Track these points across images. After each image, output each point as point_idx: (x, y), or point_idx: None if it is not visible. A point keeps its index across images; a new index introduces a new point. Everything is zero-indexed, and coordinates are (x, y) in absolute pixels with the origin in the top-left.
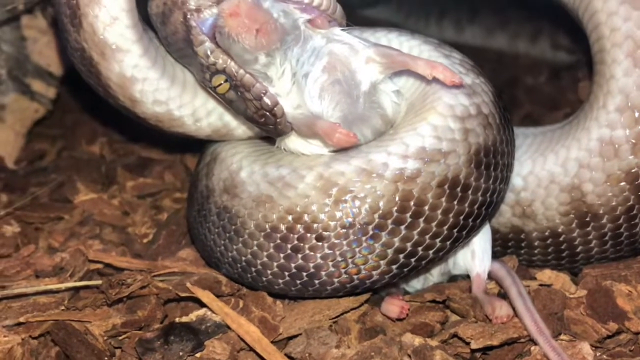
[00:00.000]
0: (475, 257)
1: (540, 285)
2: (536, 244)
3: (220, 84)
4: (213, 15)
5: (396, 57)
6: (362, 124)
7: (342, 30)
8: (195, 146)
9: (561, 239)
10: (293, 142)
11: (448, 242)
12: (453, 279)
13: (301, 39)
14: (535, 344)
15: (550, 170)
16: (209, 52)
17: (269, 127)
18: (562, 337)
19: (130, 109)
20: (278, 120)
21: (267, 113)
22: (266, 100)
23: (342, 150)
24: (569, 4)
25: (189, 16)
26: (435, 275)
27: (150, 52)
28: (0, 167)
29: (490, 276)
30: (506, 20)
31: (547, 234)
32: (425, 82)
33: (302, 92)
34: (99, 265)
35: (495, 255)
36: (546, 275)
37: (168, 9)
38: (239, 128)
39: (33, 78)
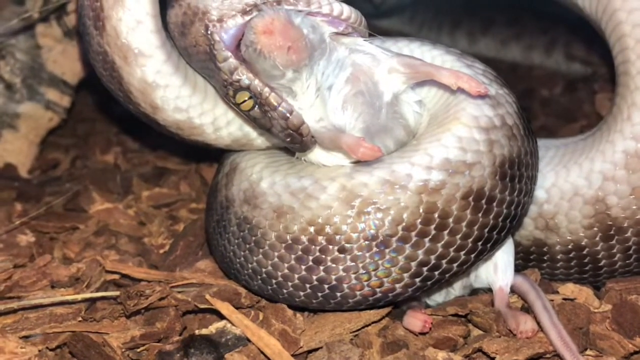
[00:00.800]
0: (498, 270)
1: (564, 299)
2: (559, 257)
3: (244, 101)
4: (237, 26)
5: (420, 67)
6: (384, 135)
7: (364, 40)
8: (211, 156)
9: (585, 252)
10: (314, 153)
11: (472, 255)
12: (475, 292)
13: (327, 52)
14: (562, 359)
15: (573, 183)
16: (232, 69)
17: (293, 145)
18: (588, 352)
19: (150, 116)
20: (304, 138)
21: (294, 133)
22: (293, 120)
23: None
24: (592, 15)
25: (211, 29)
26: (457, 288)
27: (172, 59)
28: (13, 176)
29: (513, 290)
30: (520, 32)
31: (570, 247)
32: (448, 92)
33: (325, 104)
34: (116, 276)
35: (517, 269)
36: (569, 289)
37: (189, 19)
38: (259, 138)
39: (48, 87)
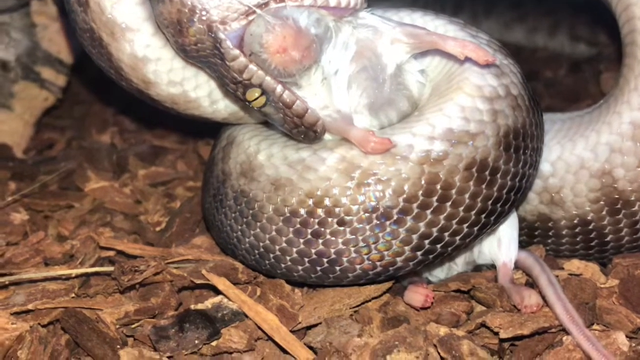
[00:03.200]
0: (502, 245)
1: (570, 274)
2: (564, 232)
3: (256, 98)
4: (240, 28)
5: (424, 36)
6: (388, 108)
7: (366, 12)
8: (209, 135)
9: (590, 227)
10: None
11: (475, 228)
12: (477, 268)
13: (333, 38)
14: (568, 333)
15: (579, 156)
16: (243, 68)
17: (306, 139)
18: (595, 327)
19: (144, 91)
20: (318, 134)
21: (308, 130)
22: (308, 118)
23: None
24: None
25: (215, 29)
26: (459, 264)
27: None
28: (8, 157)
29: (517, 265)
30: (524, 14)
31: (575, 222)
32: (451, 62)
33: (330, 91)
34: (111, 253)
35: (521, 245)
36: (575, 265)
37: (185, 18)
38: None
39: (43, 65)
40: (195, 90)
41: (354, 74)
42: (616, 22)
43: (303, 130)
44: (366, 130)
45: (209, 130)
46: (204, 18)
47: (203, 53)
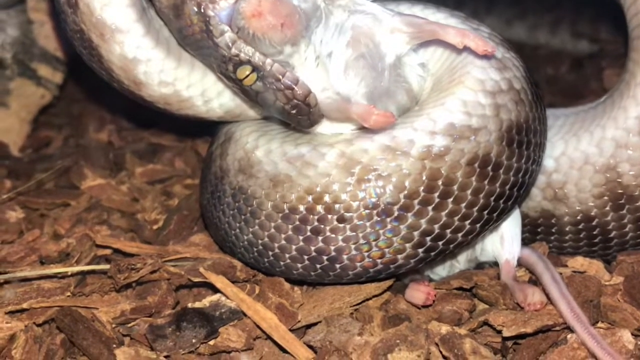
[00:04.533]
0: (505, 242)
1: (574, 272)
2: (568, 229)
3: (247, 76)
4: (229, 7)
5: (424, 25)
6: (387, 100)
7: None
8: (207, 132)
9: (594, 223)
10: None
11: (478, 225)
12: (480, 266)
13: (323, 19)
14: (572, 331)
15: (584, 151)
16: (230, 43)
17: (300, 118)
18: (600, 325)
19: (135, 93)
20: (312, 110)
21: (300, 103)
22: (299, 90)
23: (364, 128)
24: None
25: (204, 5)
26: (461, 262)
27: (152, 31)
28: (4, 155)
29: (520, 263)
30: (525, 11)
31: (579, 218)
32: (453, 54)
33: (327, 72)
34: (107, 251)
35: (524, 243)
36: (578, 262)
37: (180, 0)
38: (253, 108)
39: (39, 62)
40: (188, 90)
41: (351, 60)
42: (621, 17)
43: (296, 104)
44: (367, 105)
45: (207, 127)
46: None
47: (198, 37)
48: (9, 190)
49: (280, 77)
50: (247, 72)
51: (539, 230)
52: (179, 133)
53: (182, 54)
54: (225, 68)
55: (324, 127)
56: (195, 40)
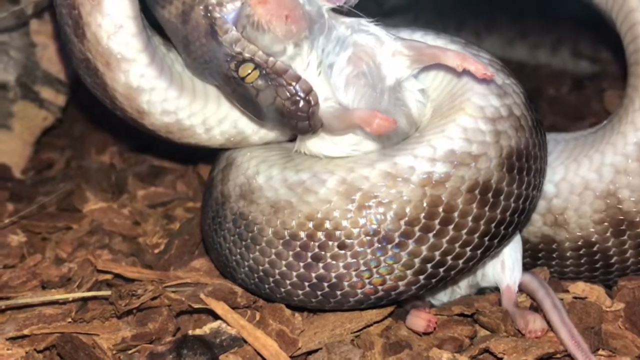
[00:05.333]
0: (506, 268)
1: (575, 298)
2: (568, 254)
3: (249, 73)
4: (236, 10)
5: (425, 49)
6: None
7: (367, 21)
8: (208, 155)
9: (595, 248)
10: (315, 143)
11: (479, 251)
12: (481, 291)
13: (326, 28)
14: (573, 359)
15: (584, 177)
16: (235, 40)
17: (300, 116)
18: (601, 352)
19: (138, 121)
20: (312, 108)
21: (302, 99)
22: (301, 84)
23: (368, 151)
24: (601, 5)
25: (210, 8)
26: (462, 287)
27: (156, 61)
28: (7, 177)
29: (521, 288)
30: (526, 31)
31: (580, 243)
32: (453, 81)
33: (329, 83)
34: (108, 276)
35: (525, 267)
36: (579, 287)
37: (188, 6)
38: (255, 135)
39: (42, 85)
40: (190, 119)
41: (351, 76)
42: (620, 41)
43: (297, 100)
44: (370, 109)
45: (208, 151)
46: (202, 1)
47: (203, 40)
48: (10, 214)
49: (283, 72)
50: (249, 70)
51: (539, 255)
52: (180, 156)
53: (183, 83)
54: (227, 67)
55: (327, 148)
56: (200, 46)
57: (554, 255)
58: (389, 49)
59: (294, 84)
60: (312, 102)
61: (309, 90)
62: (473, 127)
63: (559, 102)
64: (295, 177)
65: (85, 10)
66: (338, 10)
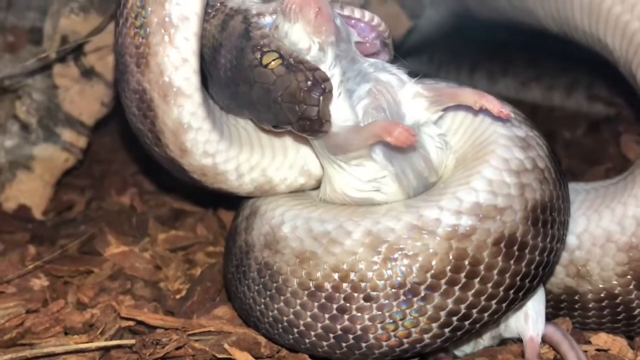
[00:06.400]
0: (529, 319)
1: (597, 350)
2: (591, 305)
3: (272, 60)
4: (271, 20)
5: (443, 89)
6: (404, 162)
7: (391, 65)
8: (228, 198)
9: (618, 300)
10: (337, 181)
11: (504, 304)
12: (504, 342)
13: (350, 55)
14: None
15: (606, 228)
16: (265, 35)
17: (311, 102)
18: None
19: (176, 160)
20: (324, 94)
21: (317, 84)
22: (319, 72)
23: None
24: (622, 58)
25: (249, 16)
26: (485, 338)
27: (206, 102)
28: (28, 218)
29: (544, 340)
30: (540, 72)
31: (602, 295)
32: (476, 132)
33: (349, 106)
34: (131, 323)
35: (547, 318)
36: (602, 339)
37: (229, 16)
38: (282, 183)
39: (64, 127)
40: (225, 164)
41: (370, 107)
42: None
43: (311, 86)
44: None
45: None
46: (242, 11)
47: (237, 42)
48: (33, 257)
49: (304, 62)
50: (273, 58)
51: (562, 306)
52: (201, 198)
53: (223, 128)
54: (252, 57)
55: (345, 183)
56: (230, 49)
57: (577, 307)
58: (410, 90)
59: (312, 70)
60: (326, 89)
61: (325, 79)
62: (498, 179)
63: (575, 146)
64: (320, 228)
65: (155, 40)
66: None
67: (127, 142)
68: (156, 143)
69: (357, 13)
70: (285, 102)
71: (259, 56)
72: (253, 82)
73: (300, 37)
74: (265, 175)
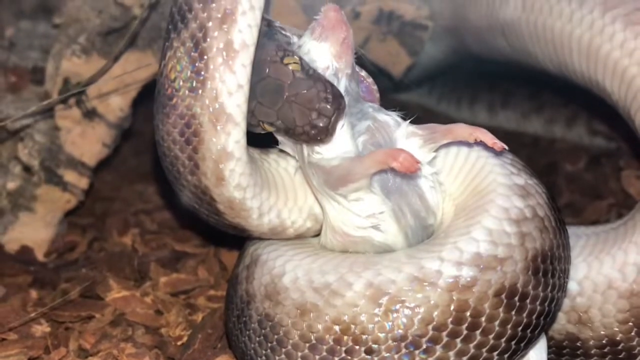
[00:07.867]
0: None
1: None
2: (593, 352)
3: (294, 63)
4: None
5: (437, 127)
6: (399, 198)
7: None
8: (229, 240)
9: (619, 347)
10: (335, 218)
11: (506, 356)
12: None
13: (355, 95)
14: None
15: (607, 275)
16: (289, 42)
17: (325, 113)
18: None
19: (209, 189)
20: (338, 110)
21: (335, 97)
22: (337, 89)
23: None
24: (620, 102)
25: (272, 22)
26: None
27: (246, 134)
28: (29, 260)
29: None
30: (541, 105)
31: (604, 342)
32: (475, 180)
33: (350, 139)
34: None
35: None
36: None
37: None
38: (292, 227)
39: (66, 169)
40: (252, 200)
41: (368, 144)
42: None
43: (332, 95)
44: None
45: (229, 235)
46: (268, 18)
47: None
48: (34, 302)
49: (322, 76)
50: (295, 61)
51: (564, 352)
52: (201, 238)
53: (256, 166)
54: (274, 53)
55: (343, 220)
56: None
57: (578, 353)
58: (405, 130)
59: (331, 85)
60: (341, 106)
61: (342, 96)
62: (498, 229)
63: (576, 180)
64: (321, 280)
65: (215, 64)
66: None
67: (128, 179)
68: (192, 171)
69: (364, 73)
70: (298, 104)
71: (281, 55)
72: (265, 76)
73: (321, 55)
74: (280, 217)
